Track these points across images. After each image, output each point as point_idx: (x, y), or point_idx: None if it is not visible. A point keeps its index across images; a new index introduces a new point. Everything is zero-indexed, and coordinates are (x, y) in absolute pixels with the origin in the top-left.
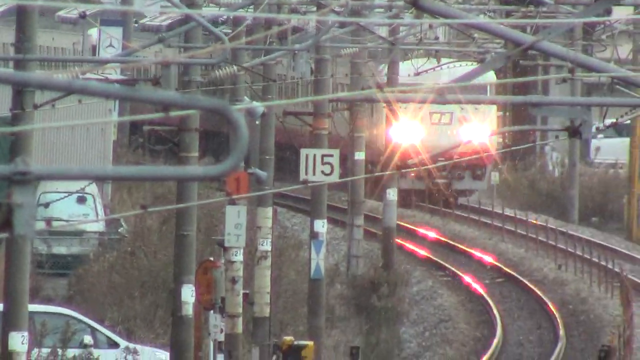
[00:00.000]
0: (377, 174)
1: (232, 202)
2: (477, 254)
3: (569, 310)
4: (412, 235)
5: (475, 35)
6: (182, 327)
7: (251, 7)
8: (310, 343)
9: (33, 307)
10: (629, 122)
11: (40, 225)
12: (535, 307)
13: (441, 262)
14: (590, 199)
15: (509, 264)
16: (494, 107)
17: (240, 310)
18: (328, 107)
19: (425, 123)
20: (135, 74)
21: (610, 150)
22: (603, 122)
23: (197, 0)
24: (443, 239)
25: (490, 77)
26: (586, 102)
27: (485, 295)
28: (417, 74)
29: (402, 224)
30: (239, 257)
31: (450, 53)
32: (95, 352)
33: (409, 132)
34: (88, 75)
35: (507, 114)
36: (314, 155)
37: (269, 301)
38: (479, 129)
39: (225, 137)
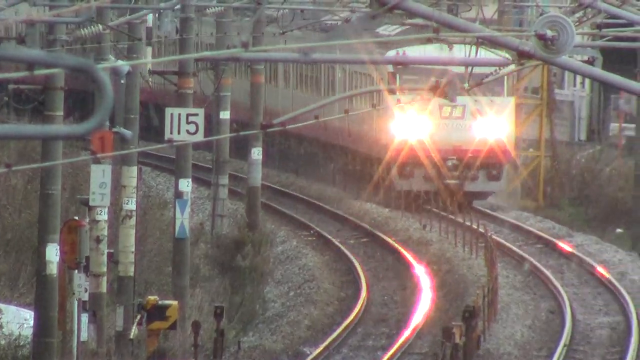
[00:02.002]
0: (241, 132)
1: (97, 161)
2: (342, 213)
3: (434, 270)
4: (277, 194)
5: None
6: (47, 287)
7: None
8: (175, 302)
9: None
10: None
11: None
12: (400, 267)
13: (306, 222)
14: None
15: (374, 224)
16: (512, 99)
17: (105, 269)
18: (193, 66)
19: (435, 117)
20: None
21: None
22: (468, 81)
23: None
24: (308, 198)
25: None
26: (451, 62)
27: (350, 255)
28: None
29: (267, 183)
30: (103, 216)
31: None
32: None
33: (415, 126)
34: None
35: None
36: (179, 115)
37: (133, 260)
38: (495, 124)
39: (91, 96)
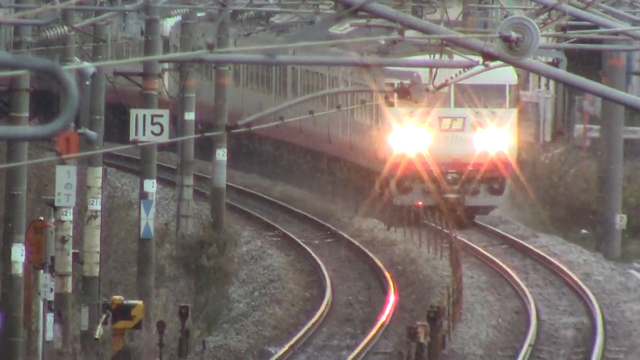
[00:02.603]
0: (206, 134)
1: (62, 162)
2: (307, 214)
3: (399, 270)
4: (242, 195)
5: None
6: (12, 287)
7: None
8: (140, 302)
9: None
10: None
11: None
12: (364, 267)
13: (271, 222)
14: None
15: (338, 224)
16: (514, 111)
17: (70, 269)
18: (158, 67)
19: (434, 129)
20: None
21: None
22: (432, 83)
23: None
24: (273, 199)
25: (510, 76)
26: (417, 63)
27: (315, 256)
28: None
29: (231, 184)
30: (68, 216)
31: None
32: None
33: (414, 139)
34: None
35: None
36: (144, 116)
37: (98, 261)
38: (497, 136)
39: (56, 97)
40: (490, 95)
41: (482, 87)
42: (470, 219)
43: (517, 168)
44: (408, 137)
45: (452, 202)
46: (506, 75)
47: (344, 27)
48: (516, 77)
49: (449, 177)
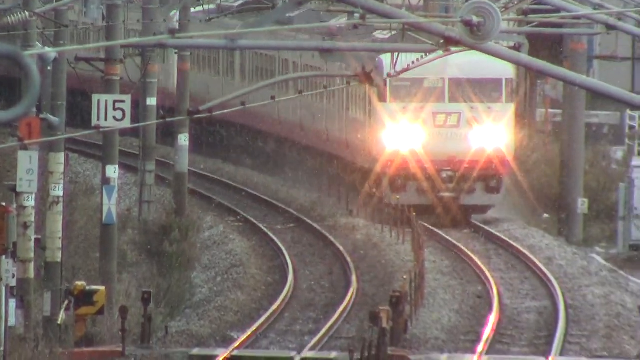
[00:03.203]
0: (168, 119)
1: (24, 148)
2: (269, 199)
3: (361, 255)
4: (204, 180)
5: None
6: None
7: None
8: (102, 288)
9: None
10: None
11: None
12: (327, 252)
13: (233, 207)
14: None
15: (301, 209)
16: (511, 106)
17: (32, 255)
18: (120, 53)
19: (428, 126)
20: None
21: None
22: (394, 68)
23: None
24: (235, 185)
25: (506, 69)
26: (378, 48)
27: (277, 241)
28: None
29: (193, 169)
30: (31, 202)
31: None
32: None
33: (408, 136)
34: None
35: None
36: (106, 101)
37: (60, 246)
38: (493, 132)
39: (18, 83)
40: (486, 89)
41: (478, 81)
42: (466, 219)
43: (514, 165)
44: (401, 134)
45: (447, 201)
46: (503, 68)
47: (337, 19)
48: (513, 70)
49: (444, 175)
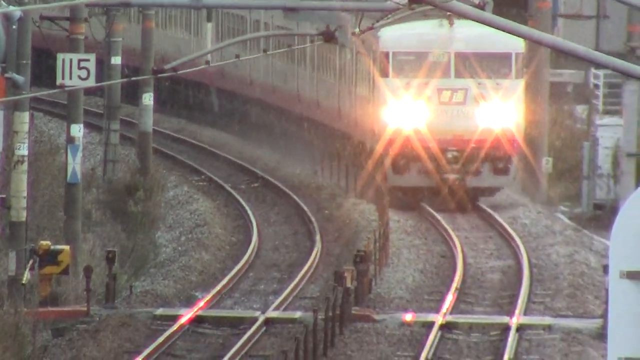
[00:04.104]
0: (133, 78)
1: None
2: (234, 159)
3: (325, 215)
4: (169, 140)
5: None
6: None
7: None
8: (67, 247)
9: None
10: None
11: None
12: (291, 212)
13: (197, 167)
14: None
15: (265, 168)
16: (521, 82)
17: None
18: (85, 12)
19: (433, 103)
20: None
21: None
22: (359, 27)
23: None
24: (199, 144)
25: (516, 43)
26: (342, 7)
27: (241, 200)
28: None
29: (158, 129)
30: None
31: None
32: None
33: (411, 113)
34: None
35: None
36: (71, 60)
37: (25, 206)
38: (502, 110)
39: None
40: (494, 64)
41: (486, 55)
42: (473, 202)
43: (524, 145)
44: (404, 111)
45: (452, 183)
46: (512, 42)
47: None
48: (523, 44)
49: (449, 155)
